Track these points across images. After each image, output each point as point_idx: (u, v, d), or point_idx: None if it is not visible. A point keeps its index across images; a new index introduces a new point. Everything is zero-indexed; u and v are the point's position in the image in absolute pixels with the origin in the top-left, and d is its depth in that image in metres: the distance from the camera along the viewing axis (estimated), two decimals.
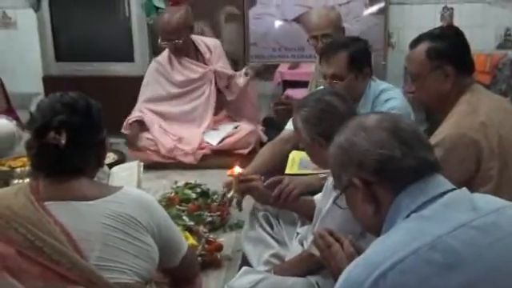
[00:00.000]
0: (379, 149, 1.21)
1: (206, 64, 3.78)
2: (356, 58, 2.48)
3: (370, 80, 2.59)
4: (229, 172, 2.36)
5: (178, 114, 3.80)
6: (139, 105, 3.80)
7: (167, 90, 3.79)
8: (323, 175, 2.19)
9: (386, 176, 1.21)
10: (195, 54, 3.80)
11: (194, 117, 3.79)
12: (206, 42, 3.86)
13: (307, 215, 2.11)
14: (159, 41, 3.67)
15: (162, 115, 3.79)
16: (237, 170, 2.30)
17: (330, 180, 1.85)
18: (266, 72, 4.81)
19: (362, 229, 1.34)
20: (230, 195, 2.35)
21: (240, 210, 2.36)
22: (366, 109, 2.49)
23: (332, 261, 1.41)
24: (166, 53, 3.77)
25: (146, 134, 3.70)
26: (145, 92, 3.81)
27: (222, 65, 3.82)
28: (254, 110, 3.97)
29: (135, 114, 3.75)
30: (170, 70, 3.76)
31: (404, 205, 1.18)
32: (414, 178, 1.19)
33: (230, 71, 3.82)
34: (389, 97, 2.55)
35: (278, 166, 2.73)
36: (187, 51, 3.74)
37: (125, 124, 3.73)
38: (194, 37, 3.81)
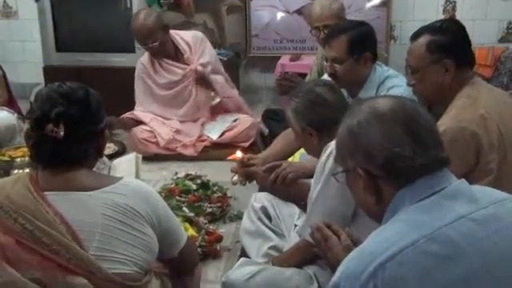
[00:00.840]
0: (391, 145, 1.16)
1: (186, 64, 3.70)
2: (356, 41, 2.45)
3: (374, 65, 2.56)
4: (230, 157, 2.38)
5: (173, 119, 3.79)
6: (136, 106, 3.78)
7: (155, 93, 3.76)
8: None
9: (393, 172, 1.17)
10: (176, 53, 3.72)
11: (188, 119, 3.78)
12: (185, 38, 3.73)
13: (305, 199, 2.08)
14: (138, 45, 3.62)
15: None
16: (238, 154, 2.32)
17: (319, 165, 1.83)
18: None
19: (364, 213, 1.32)
20: (234, 179, 2.37)
21: (243, 184, 2.39)
22: (370, 93, 2.46)
23: (329, 253, 1.40)
24: (147, 54, 3.71)
25: (144, 126, 3.68)
26: (137, 93, 3.79)
27: (207, 59, 3.71)
28: (244, 104, 3.94)
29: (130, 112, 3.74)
30: (153, 72, 3.72)
31: (407, 199, 1.16)
32: (421, 174, 1.16)
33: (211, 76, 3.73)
34: (393, 84, 2.52)
35: (288, 156, 2.71)
36: (167, 52, 3.67)
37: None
38: (173, 34, 3.70)
